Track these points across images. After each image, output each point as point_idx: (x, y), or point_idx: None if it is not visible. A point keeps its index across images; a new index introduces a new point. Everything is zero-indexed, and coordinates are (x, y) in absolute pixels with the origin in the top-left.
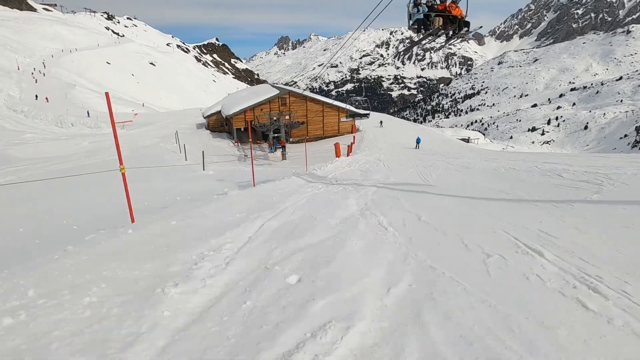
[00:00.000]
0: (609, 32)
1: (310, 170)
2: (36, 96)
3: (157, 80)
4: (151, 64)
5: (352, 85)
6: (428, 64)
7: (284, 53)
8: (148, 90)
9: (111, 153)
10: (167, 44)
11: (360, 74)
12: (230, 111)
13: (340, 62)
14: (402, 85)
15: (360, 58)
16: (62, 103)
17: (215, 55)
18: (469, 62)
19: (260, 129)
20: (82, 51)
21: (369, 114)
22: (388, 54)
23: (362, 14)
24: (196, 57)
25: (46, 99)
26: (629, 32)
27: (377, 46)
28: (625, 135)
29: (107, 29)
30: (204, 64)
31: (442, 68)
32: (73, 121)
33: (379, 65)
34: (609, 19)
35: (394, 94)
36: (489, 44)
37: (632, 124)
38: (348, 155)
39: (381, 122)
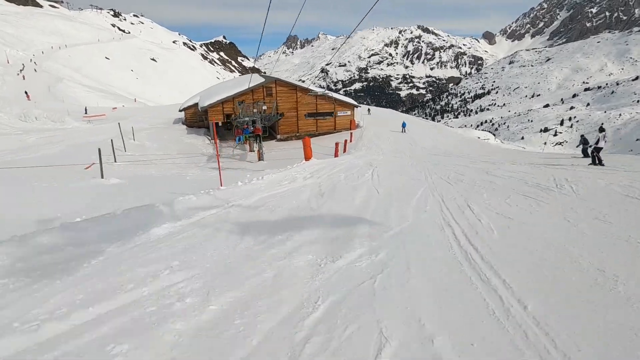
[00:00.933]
0: (625, 31)
1: (234, 184)
2: (26, 92)
3: (158, 76)
4: (152, 59)
5: (361, 84)
6: (437, 63)
7: (292, 52)
8: (147, 86)
9: (46, 149)
10: (173, 42)
11: (368, 73)
12: (206, 103)
13: (349, 62)
14: (411, 84)
15: (369, 57)
16: (45, 97)
17: (222, 53)
18: (479, 62)
19: (234, 121)
20: (80, 46)
21: (332, 113)
22: (397, 53)
23: (371, 13)
24: (202, 55)
25: (27, 96)
26: None
27: (386, 45)
28: None
29: (114, 25)
30: (210, 61)
31: (451, 67)
32: (37, 115)
33: (388, 65)
34: (624, 17)
35: (403, 93)
36: (500, 43)
37: None
38: (336, 155)
39: (369, 109)
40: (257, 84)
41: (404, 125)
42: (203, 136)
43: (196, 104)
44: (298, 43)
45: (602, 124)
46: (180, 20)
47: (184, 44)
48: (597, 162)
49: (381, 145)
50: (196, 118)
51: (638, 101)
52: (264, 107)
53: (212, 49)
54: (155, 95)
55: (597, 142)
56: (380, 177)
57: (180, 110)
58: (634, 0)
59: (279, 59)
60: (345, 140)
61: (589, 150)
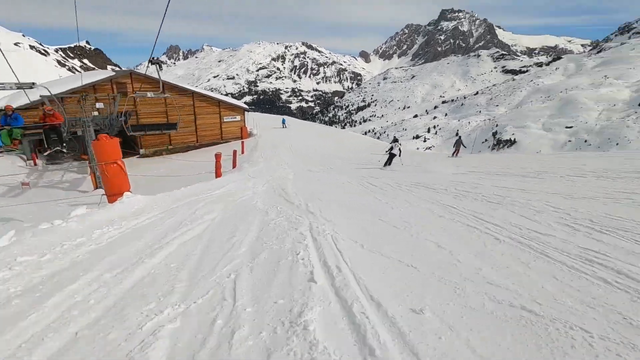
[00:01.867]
0: (465, 55)
1: None
2: None
3: None
4: None
5: (251, 97)
6: (322, 78)
7: (175, 63)
8: None
9: None
10: (16, 44)
11: (258, 86)
12: (14, 106)
13: (237, 75)
14: (300, 97)
15: (257, 70)
16: None
17: (85, 61)
18: (358, 77)
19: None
20: None
21: (175, 125)
22: (284, 68)
23: (257, 28)
24: (58, 61)
25: None
26: (478, 56)
27: (274, 59)
28: (486, 140)
29: None
30: (69, 69)
31: (335, 82)
32: None
33: (277, 78)
34: (464, 45)
35: (293, 106)
36: (374, 62)
37: (490, 130)
38: (218, 174)
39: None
40: (104, 77)
41: (283, 121)
42: (14, 156)
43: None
44: (180, 54)
45: (395, 135)
46: (28, 20)
47: (31, 47)
48: (388, 163)
49: (284, 155)
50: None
51: (480, 111)
52: (99, 106)
53: (72, 55)
54: None
55: (391, 150)
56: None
57: None
58: (468, 32)
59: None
60: (235, 152)
61: (389, 155)
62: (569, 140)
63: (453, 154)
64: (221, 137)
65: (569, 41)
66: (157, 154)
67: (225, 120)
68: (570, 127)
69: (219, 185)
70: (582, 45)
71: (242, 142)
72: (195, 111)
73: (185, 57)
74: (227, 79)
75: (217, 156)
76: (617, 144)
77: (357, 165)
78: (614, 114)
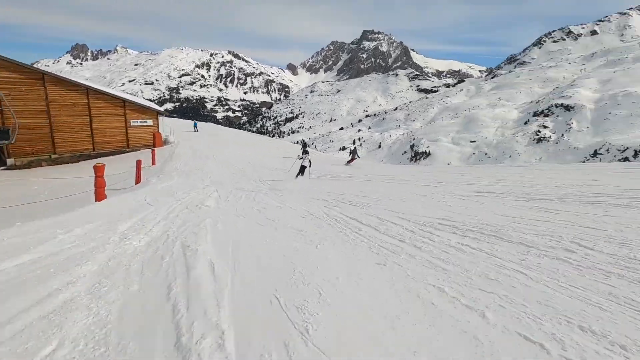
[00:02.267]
0: (385, 73)
1: None
2: None
3: None
4: None
5: (173, 104)
6: (250, 88)
7: (81, 63)
8: None
9: None
10: None
11: (180, 93)
12: None
13: (157, 80)
14: (227, 107)
15: (180, 77)
16: None
17: None
18: (286, 89)
19: None
20: None
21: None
22: (210, 75)
23: (179, 32)
24: None
25: None
26: (396, 75)
27: (198, 67)
28: (405, 152)
29: None
30: None
31: (263, 93)
32: None
33: (201, 86)
34: (383, 64)
35: (219, 115)
36: (301, 75)
37: (408, 143)
38: (100, 197)
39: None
40: None
41: (195, 125)
42: None
43: None
44: (89, 54)
45: (304, 140)
46: None
47: None
48: (301, 174)
49: (205, 166)
50: None
51: (399, 126)
52: None
53: None
54: None
55: (302, 160)
56: None
57: None
58: (387, 52)
59: (61, 70)
60: (139, 162)
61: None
62: (473, 153)
63: (348, 162)
64: (127, 145)
65: (470, 67)
66: (34, 165)
67: (132, 124)
68: (474, 141)
69: (43, 238)
70: (480, 71)
71: (154, 151)
72: (92, 112)
73: (95, 58)
74: (145, 84)
75: (97, 169)
76: (509, 157)
77: (298, 179)
78: (507, 131)
